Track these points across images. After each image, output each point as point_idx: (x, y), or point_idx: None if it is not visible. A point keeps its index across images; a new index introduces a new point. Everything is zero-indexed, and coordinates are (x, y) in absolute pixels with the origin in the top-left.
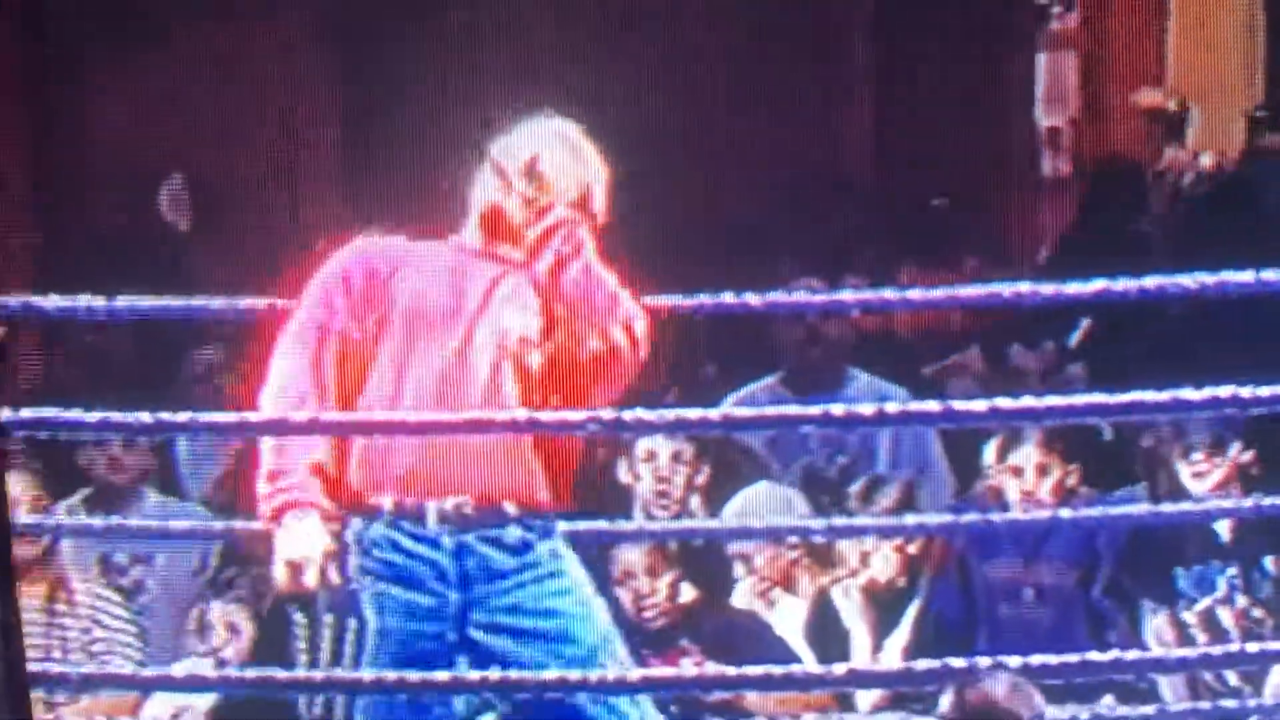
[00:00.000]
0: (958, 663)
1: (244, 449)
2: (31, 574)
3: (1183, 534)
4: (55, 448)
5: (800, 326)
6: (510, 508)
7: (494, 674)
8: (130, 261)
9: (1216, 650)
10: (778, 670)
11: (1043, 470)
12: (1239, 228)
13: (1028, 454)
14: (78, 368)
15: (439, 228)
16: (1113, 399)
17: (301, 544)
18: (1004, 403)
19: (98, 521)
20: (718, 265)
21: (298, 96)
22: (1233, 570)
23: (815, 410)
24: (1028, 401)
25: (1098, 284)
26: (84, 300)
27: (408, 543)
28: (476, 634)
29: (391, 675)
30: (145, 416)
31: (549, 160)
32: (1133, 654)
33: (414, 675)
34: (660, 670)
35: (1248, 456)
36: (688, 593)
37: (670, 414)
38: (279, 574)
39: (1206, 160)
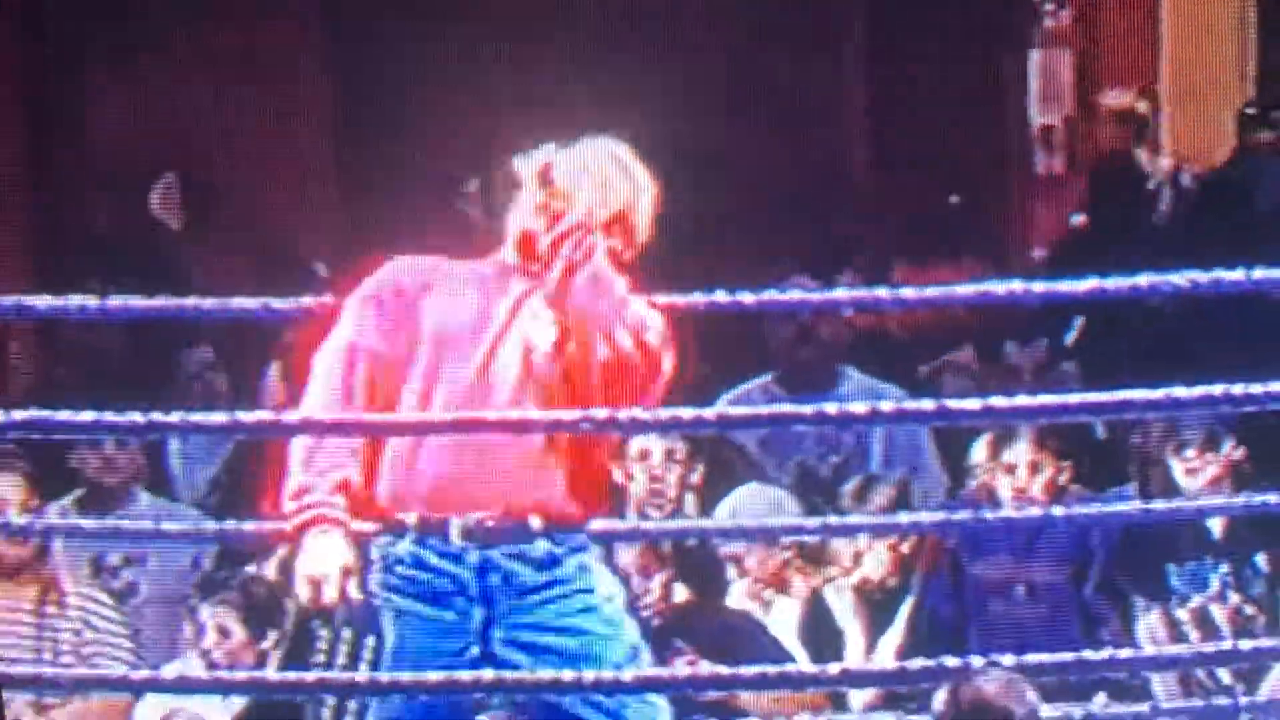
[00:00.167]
0: (951, 661)
1: (244, 451)
2: (23, 576)
3: (1175, 531)
4: (47, 449)
5: (793, 325)
6: (536, 522)
7: (487, 674)
8: (124, 261)
9: (1209, 648)
10: (771, 670)
11: (1035, 468)
12: (1231, 225)
13: (1020, 451)
14: (70, 368)
15: (480, 247)
16: (1105, 397)
17: (322, 560)
18: (997, 401)
19: (90, 523)
20: (711, 263)
21: (295, 98)
22: (1225, 567)
23: (809, 409)
24: (1021, 400)
25: (1090, 283)
26: (76, 300)
27: (431, 558)
28: (499, 651)
29: (384, 677)
30: (138, 417)
31: (566, 168)
32: (1125, 652)
33: (406, 677)
34: (654, 670)
35: (1240, 454)
36: (681, 593)
37: (664, 413)
38: (299, 590)
39: (1166, 163)
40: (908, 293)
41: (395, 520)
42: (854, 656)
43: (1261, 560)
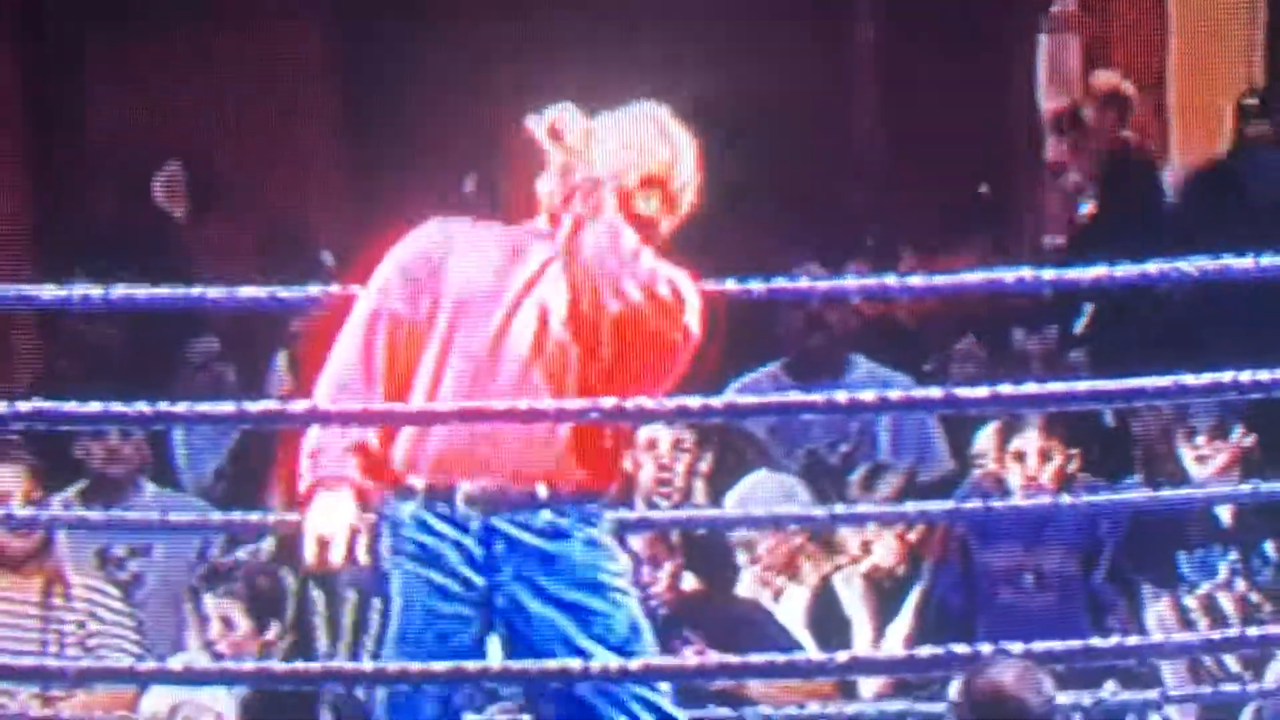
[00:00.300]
0: (960, 649)
1: (250, 441)
2: (27, 568)
3: (1184, 519)
4: (50, 440)
5: (802, 313)
6: (542, 490)
7: (495, 665)
8: (127, 251)
9: (1217, 635)
10: (780, 658)
11: (1045, 456)
12: (1229, 216)
13: (1030, 439)
14: (73, 359)
15: (514, 213)
16: (1114, 385)
17: (330, 520)
18: (1006, 389)
19: (96, 514)
20: (721, 252)
21: (301, 86)
22: (1234, 555)
23: (817, 397)
24: (1029, 388)
25: (1099, 270)
26: (79, 290)
27: (437, 524)
28: (499, 620)
29: (391, 667)
30: (143, 407)
31: (580, 125)
32: (1134, 639)
33: (414, 667)
34: (662, 659)
35: (1250, 441)
36: (689, 582)
37: (671, 402)
38: (307, 549)
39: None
40: (916, 281)
41: (404, 484)
42: (862, 645)
43: (1270, 548)
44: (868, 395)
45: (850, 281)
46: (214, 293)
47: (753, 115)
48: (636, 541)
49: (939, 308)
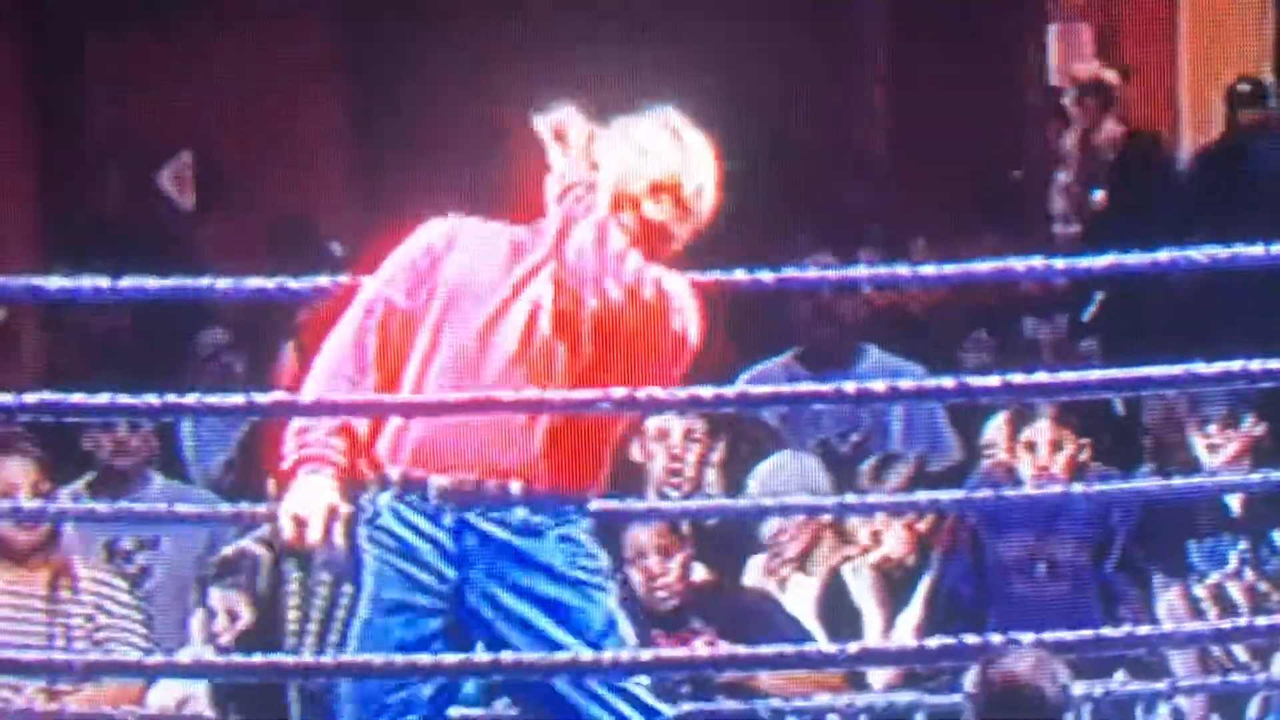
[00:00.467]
0: (972, 640)
1: (259, 432)
2: (34, 560)
3: (1195, 508)
4: (58, 432)
5: (813, 303)
6: (516, 487)
7: (505, 656)
8: (134, 242)
9: (1226, 624)
10: (790, 649)
11: (1056, 446)
12: (1224, 202)
13: (1041, 429)
14: (81, 351)
15: (527, 212)
16: (1125, 373)
17: (310, 500)
18: (1017, 378)
19: (104, 506)
20: (730, 241)
21: (309, 77)
22: (1244, 544)
23: (828, 387)
24: (1040, 377)
25: (1109, 259)
26: (87, 282)
27: (411, 515)
28: (469, 615)
29: (401, 660)
30: (152, 399)
31: (583, 128)
32: (1144, 629)
33: (425, 658)
34: (672, 650)
35: (1261, 430)
36: (699, 573)
37: (682, 392)
38: (283, 527)
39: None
40: (927, 270)
41: (382, 473)
42: (872, 635)
43: (1278, 537)
44: (878, 385)
45: (861, 271)
46: (222, 283)
47: (763, 106)
48: (646, 532)
49: (952, 297)
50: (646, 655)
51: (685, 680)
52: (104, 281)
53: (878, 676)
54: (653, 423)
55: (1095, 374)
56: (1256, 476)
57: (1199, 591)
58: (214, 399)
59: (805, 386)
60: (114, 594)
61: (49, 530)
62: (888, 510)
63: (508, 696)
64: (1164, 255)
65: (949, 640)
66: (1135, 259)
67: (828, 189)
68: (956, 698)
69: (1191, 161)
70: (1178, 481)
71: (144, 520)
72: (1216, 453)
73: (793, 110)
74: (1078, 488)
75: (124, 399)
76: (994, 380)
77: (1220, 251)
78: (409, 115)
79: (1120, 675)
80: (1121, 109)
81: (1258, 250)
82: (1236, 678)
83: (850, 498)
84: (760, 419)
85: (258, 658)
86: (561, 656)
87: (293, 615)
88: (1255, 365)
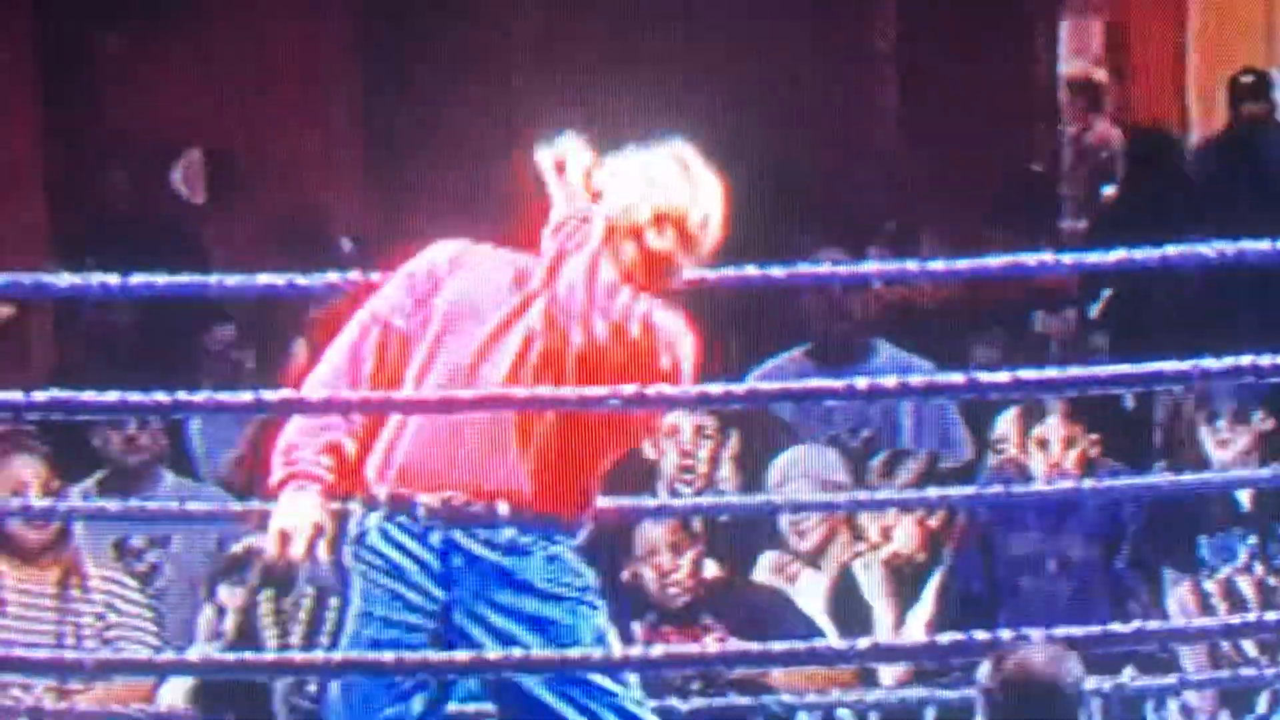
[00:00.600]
0: (982, 636)
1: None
2: (44, 559)
3: (1206, 502)
4: (68, 430)
5: (824, 298)
6: (503, 508)
7: (515, 653)
8: (144, 238)
9: (1236, 620)
10: (801, 646)
11: (1068, 443)
12: (1227, 194)
13: (1052, 427)
14: (91, 347)
15: (538, 216)
16: (1135, 369)
17: (295, 515)
18: (1027, 374)
19: (114, 504)
20: (741, 237)
21: (321, 73)
22: (1253, 539)
23: (838, 383)
24: (1050, 372)
25: (1118, 254)
26: (97, 279)
27: (399, 535)
28: (457, 634)
29: (412, 657)
30: (161, 397)
31: (583, 161)
32: (1154, 624)
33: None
34: (683, 647)
35: (1270, 425)
36: (710, 569)
37: (693, 389)
38: (269, 542)
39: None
40: (938, 265)
41: (371, 493)
42: (882, 632)
43: None
44: (889, 381)
45: (871, 266)
46: (232, 280)
47: (775, 102)
48: (657, 529)
49: (963, 292)
50: (657, 652)
51: (696, 676)
52: (114, 279)
53: (888, 673)
54: (664, 420)
55: (1105, 369)
56: (1266, 472)
57: (1209, 586)
58: (224, 396)
59: (815, 382)
60: (124, 592)
61: (59, 529)
62: (898, 506)
63: (497, 708)
64: (1172, 251)
65: (959, 636)
66: (1143, 254)
67: (838, 185)
68: (967, 693)
69: (1194, 154)
70: (1187, 477)
71: (155, 518)
72: (1226, 448)
73: (803, 105)
74: (1088, 484)
75: (133, 397)
76: (1004, 376)
77: (1227, 247)
78: (422, 112)
79: (1130, 671)
80: (1114, 109)
81: (1264, 245)
82: (1246, 672)
83: (861, 494)
84: (775, 414)
85: (268, 655)
86: (573, 653)
87: (270, 634)
88: (1265, 360)
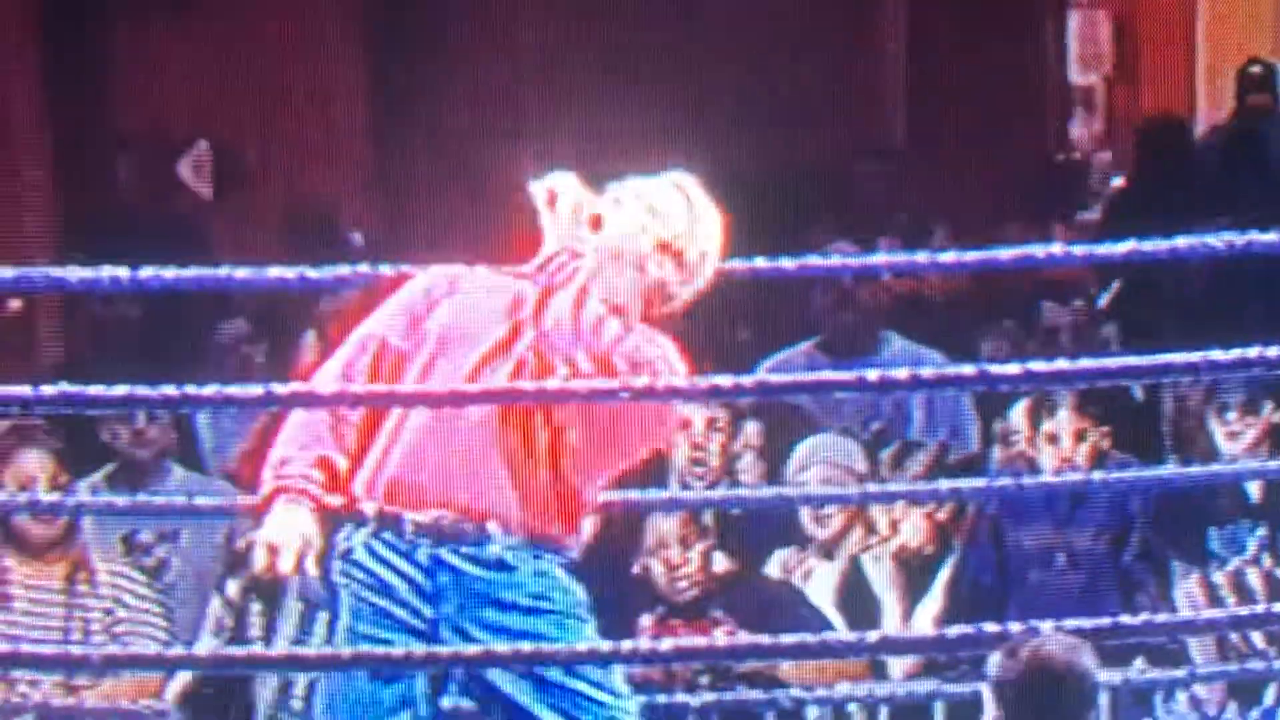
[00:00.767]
0: (992, 629)
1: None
2: (51, 554)
3: (1215, 494)
4: (76, 424)
5: (834, 290)
6: (493, 527)
7: (524, 647)
8: (153, 231)
9: (1244, 611)
10: (810, 639)
11: (1079, 436)
12: (1248, 183)
13: (1062, 421)
14: (100, 341)
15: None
16: (1145, 361)
17: (284, 529)
18: (1038, 365)
19: (122, 499)
20: (751, 229)
21: (330, 65)
22: (1263, 531)
23: (849, 375)
24: (1061, 364)
25: (1127, 245)
26: (106, 272)
27: (386, 552)
28: (444, 651)
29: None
30: (171, 391)
31: (574, 194)
32: (1162, 616)
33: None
34: (692, 640)
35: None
36: (720, 563)
37: (704, 382)
38: (257, 555)
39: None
40: (948, 257)
41: (357, 509)
42: (891, 624)
43: None
44: (900, 373)
45: (882, 258)
46: (241, 273)
47: (783, 94)
48: (668, 522)
49: (973, 284)
50: (666, 645)
51: (705, 671)
52: (123, 272)
53: (898, 665)
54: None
55: (1114, 361)
56: (1276, 463)
57: (1218, 578)
58: (233, 390)
59: (826, 374)
60: (132, 587)
61: (67, 523)
62: (910, 499)
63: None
64: (1181, 242)
65: (969, 629)
66: (1151, 246)
67: (849, 177)
68: (977, 686)
69: (1200, 145)
70: (1197, 469)
71: (164, 513)
72: (1236, 440)
73: (814, 98)
74: (1097, 476)
75: (142, 391)
76: (1014, 368)
77: (1235, 238)
78: (432, 106)
79: (1139, 663)
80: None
81: (1270, 237)
82: (1254, 664)
83: (872, 486)
84: (789, 404)
85: (277, 651)
86: (581, 646)
87: (257, 644)
88: (1274, 351)
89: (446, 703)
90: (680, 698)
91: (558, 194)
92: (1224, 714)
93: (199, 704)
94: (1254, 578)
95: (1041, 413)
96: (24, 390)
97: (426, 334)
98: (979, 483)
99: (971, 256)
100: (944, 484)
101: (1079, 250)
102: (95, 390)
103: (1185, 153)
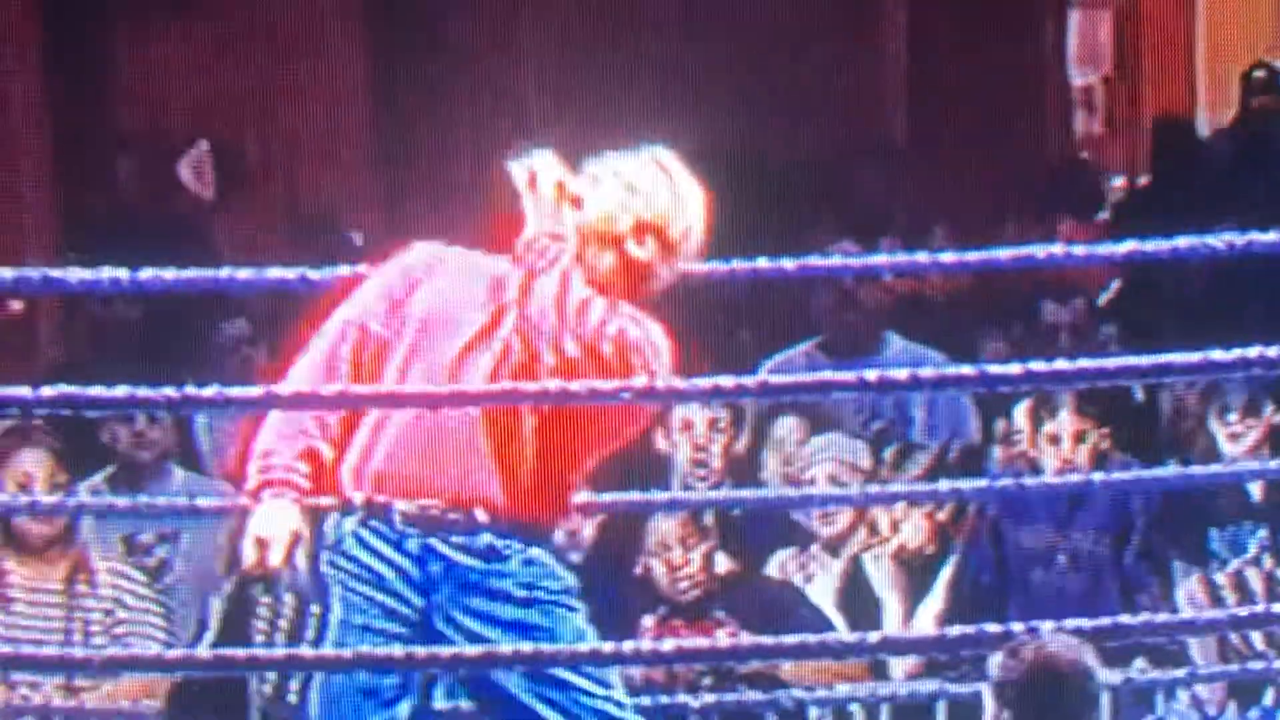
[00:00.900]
0: (992, 629)
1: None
2: (50, 554)
3: (1216, 495)
4: (76, 425)
5: (836, 290)
6: (482, 514)
7: (524, 647)
8: (153, 232)
9: (1244, 612)
10: (812, 639)
11: (1079, 438)
12: (1235, 187)
13: (1063, 422)
14: (100, 342)
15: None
16: (1145, 361)
17: (272, 523)
18: (1038, 366)
19: (123, 501)
20: (752, 230)
21: (330, 64)
22: (1264, 532)
23: (850, 375)
24: (1061, 365)
25: (1129, 245)
26: (106, 273)
27: (376, 542)
28: (436, 640)
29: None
30: (171, 392)
31: (554, 173)
32: (1163, 616)
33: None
34: (693, 641)
35: None
36: (722, 564)
37: (705, 382)
38: (246, 550)
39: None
40: (948, 257)
41: (345, 499)
42: (892, 625)
43: None
44: (900, 373)
45: (883, 258)
46: (242, 274)
47: (783, 94)
48: (669, 523)
49: (974, 284)
50: (669, 646)
51: (707, 671)
52: (123, 273)
53: (899, 666)
54: (677, 413)
55: (1115, 362)
56: (1277, 464)
57: (1219, 579)
58: (232, 391)
59: (827, 375)
60: (133, 587)
61: (66, 523)
62: (912, 499)
63: (479, 710)
64: (1181, 243)
65: (970, 629)
66: (1152, 246)
67: (849, 177)
68: (978, 687)
69: (1204, 146)
70: (1198, 470)
71: (164, 514)
72: (1237, 441)
73: (814, 97)
74: (1098, 477)
75: (142, 392)
76: (1014, 368)
77: (1236, 239)
78: (433, 104)
79: (1140, 663)
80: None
81: (1271, 237)
82: (1255, 665)
83: (873, 487)
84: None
85: (279, 651)
86: (582, 647)
87: (260, 640)
88: (1274, 352)
89: (443, 702)
90: (682, 698)
91: (538, 174)
92: (1224, 715)
93: (195, 698)
94: (1255, 579)
95: (1043, 414)
96: (24, 391)
97: (407, 319)
98: (979, 483)
99: (972, 256)
100: (944, 484)
101: (1079, 250)
102: (95, 391)
103: (1196, 155)
